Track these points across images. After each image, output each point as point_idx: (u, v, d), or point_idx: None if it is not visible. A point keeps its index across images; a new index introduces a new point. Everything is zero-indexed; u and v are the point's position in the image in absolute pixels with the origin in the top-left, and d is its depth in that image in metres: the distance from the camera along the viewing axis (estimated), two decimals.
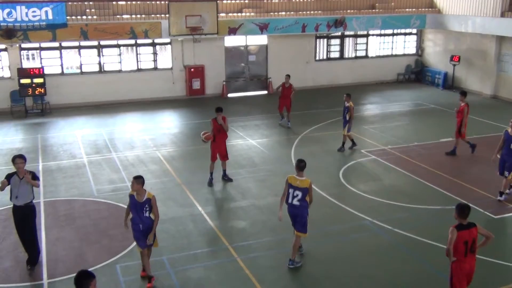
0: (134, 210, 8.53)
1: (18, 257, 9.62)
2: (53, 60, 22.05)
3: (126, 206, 8.89)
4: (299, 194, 8.97)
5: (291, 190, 9.04)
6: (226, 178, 13.47)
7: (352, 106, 15.46)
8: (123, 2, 21.59)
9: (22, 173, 8.96)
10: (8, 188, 9.05)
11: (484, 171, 13.86)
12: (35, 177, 9.14)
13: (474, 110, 20.94)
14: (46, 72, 20.96)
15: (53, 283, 8.91)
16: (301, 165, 9.05)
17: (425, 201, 12.13)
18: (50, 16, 19.34)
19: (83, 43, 21.79)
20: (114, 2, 21.45)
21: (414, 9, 26.02)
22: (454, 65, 25.16)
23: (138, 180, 8.44)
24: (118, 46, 22.71)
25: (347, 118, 15.50)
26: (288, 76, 18.69)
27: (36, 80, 20.13)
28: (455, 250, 7.24)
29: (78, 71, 22.52)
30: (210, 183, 13.19)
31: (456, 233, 7.19)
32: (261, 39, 24.87)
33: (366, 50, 27.38)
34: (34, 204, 9.33)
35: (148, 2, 21.59)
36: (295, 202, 9.02)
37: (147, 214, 8.51)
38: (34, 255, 9.42)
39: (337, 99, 18.28)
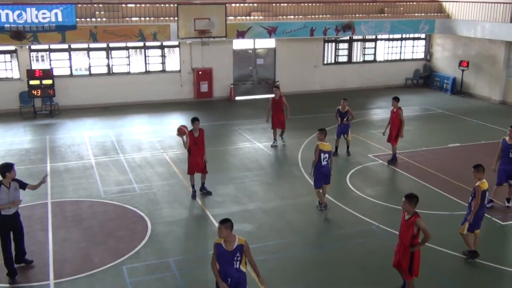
0: (222, 261, 7.03)
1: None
2: (62, 62, 22.18)
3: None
4: (327, 156, 11.40)
5: (322, 154, 11.31)
6: (204, 191, 12.71)
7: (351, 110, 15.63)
8: (132, 5, 21.71)
9: (8, 184, 8.81)
10: None
11: (492, 178, 13.71)
12: (23, 184, 9.09)
13: (483, 116, 20.95)
14: (55, 73, 21.07)
15: (60, 283, 8.95)
16: (324, 132, 11.55)
17: (432, 206, 12.05)
18: (60, 18, 19.43)
19: (92, 45, 21.91)
20: (123, 5, 21.57)
21: (423, 14, 25.95)
22: (463, 71, 25.06)
23: (226, 224, 6.88)
24: (126, 48, 22.83)
25: (345, 122, 15.45)
26: (276, 88, 17.10)
27: (45, 82, 20.26)
28: (418, 236, 8.04)
29: (87, 73, 22.65)
30: (193, 196, 12.57)
31: None
32: (269, 43, 24.92)
33: (375, 54, 27.33)
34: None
35: (157, 5, 21.68)
36: (324, 162, 11.39)
37: (237, 266, 7.03)
38: (23, 254, 9.44)
39: None
